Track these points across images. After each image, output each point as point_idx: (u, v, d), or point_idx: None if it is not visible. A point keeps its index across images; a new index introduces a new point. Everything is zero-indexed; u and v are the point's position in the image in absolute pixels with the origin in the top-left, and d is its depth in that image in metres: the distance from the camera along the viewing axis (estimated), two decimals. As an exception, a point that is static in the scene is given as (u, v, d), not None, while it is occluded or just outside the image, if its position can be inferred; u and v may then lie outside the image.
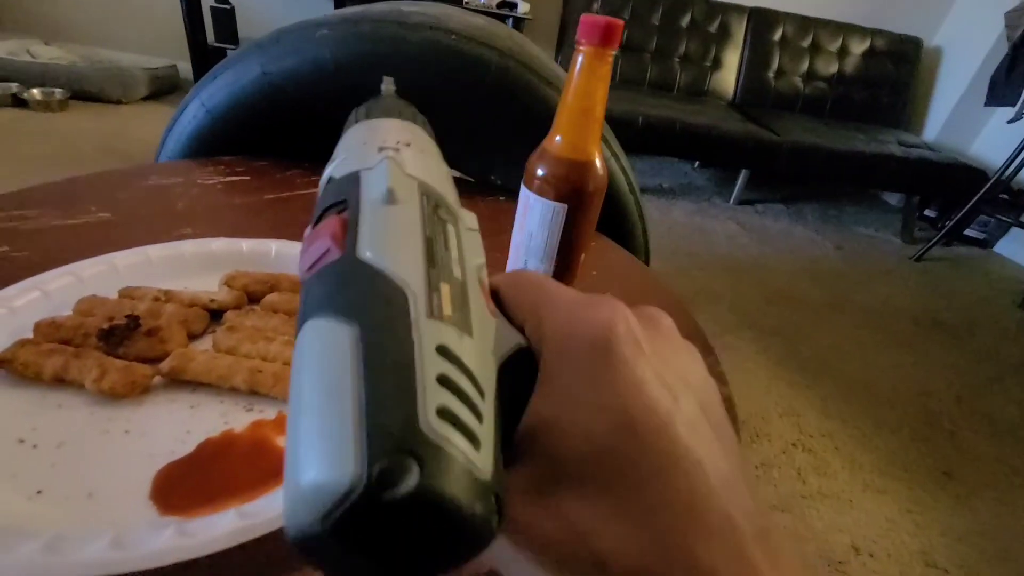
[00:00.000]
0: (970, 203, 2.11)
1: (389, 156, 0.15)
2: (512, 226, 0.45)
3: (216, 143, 0.61)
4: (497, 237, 0.53)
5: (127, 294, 0.35)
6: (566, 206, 0.38)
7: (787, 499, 1.04)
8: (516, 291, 0.16)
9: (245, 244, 0.41)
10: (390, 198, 0.14)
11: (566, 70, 0.67)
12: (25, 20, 2.77)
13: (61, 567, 0.19)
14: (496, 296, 0.16)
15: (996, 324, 1.86)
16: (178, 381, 0.30)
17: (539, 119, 0.62)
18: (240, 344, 0.32)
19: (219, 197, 0.53)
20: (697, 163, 2.80)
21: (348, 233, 0.13)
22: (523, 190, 0.40)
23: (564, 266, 0.41)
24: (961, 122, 2.57)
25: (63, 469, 0.25)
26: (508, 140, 0.65)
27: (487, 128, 0.64)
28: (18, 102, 2.16)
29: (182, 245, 0.40)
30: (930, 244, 2.21)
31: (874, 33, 2.53)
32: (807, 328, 1.63)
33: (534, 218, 0.40)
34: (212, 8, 2.28)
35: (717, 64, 2.49)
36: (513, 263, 0.43)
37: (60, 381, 0.29)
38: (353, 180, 0.15)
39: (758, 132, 2.13)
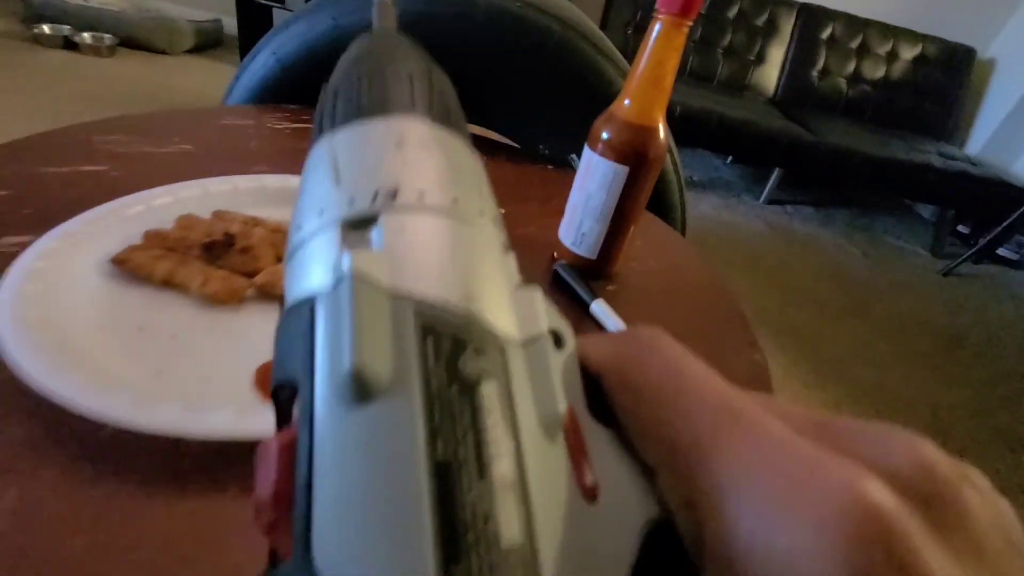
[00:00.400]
0: (1007, 221, 2.07)
1: (354, 267, 0.09)
2: (560, 194, 0.47)
3: (284, 92, 0.64)
4: (548, 203, 0.55)
5: (219, 216, 0.38)
6: (627, 169, 0.40)
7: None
8: (634, 399, 0.10)
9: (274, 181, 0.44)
10: (358, 392, 0.08)
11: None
12: (77, -36, 2.79)
13: (200, 426, 0.22)
14: (598, 383, 0.10)
15: (1020, 345, 1.84)
16: (269, 295, 0.33)
17: (594, 92, 0.64)
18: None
19: (288, 141, 0.55)
20: (730, 158, 2.77)
21: (297, 486, 0.08)
22: (586, 151, 0.42)
23: (617, 229, 0.44)
24: (1007, 138, 2.50)
25: (179, 356, 0.28)
26: (561, 111, 0.66)
27: (542, 98, 0.66)
28: (69, 45, 2.21)
29: (265, 178, 0.43)
30: (961, 259, 2.17)
31: (926, 39, 2.46)
32: (825, 331, 1.63)
33: (595, 179, 0.42)
34: (260, -36, 2.29)
35: (761, 59, 2.45)
36: (569, 223, 0.45)
37: (167, 284, 0.32)
38: (304, 324, 0.09)
39: (795, 130, 2.10)
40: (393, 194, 0.10)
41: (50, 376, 0.23)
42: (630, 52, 0.50)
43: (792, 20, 2.42)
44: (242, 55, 2.48)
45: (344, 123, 0.12)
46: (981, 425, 1.41)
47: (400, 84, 0.13)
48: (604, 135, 0.40)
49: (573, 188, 0.44)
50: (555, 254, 0.47)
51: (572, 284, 0.43)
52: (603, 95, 0.63)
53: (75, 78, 1.99)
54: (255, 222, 0.37)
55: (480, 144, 0.67)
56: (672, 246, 0.58)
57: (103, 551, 0.20)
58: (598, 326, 0.41)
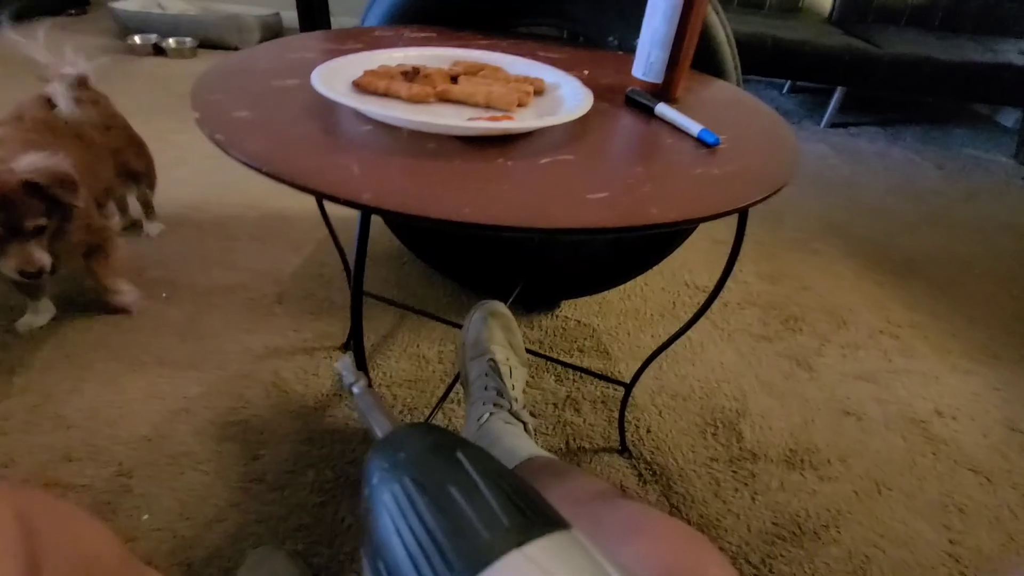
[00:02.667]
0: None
1: None
2: (627, 64, 0.63)
3: (407, 17, 0.83)
4: (621, 69, 0.69)
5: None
6: (681, 1, 0.56)
7: (872, 373, 1.12)
8: None
9: (460, 51, 0.64)
10: None
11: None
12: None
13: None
14: None
15: (1119, 239, 1.75)
16: (445, 99, 0.53)
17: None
18: (475, 86, 0.54)
19: (422, 42, 0.74)
20: (787, 87, 2.73)
21: None
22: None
23: (677, 55, 0.59)
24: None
25: (409, 114, 0.47)
26: (626, 2, 0.78)
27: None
28: (158, 51, 2.49)
29: (425, 50, 0.64)
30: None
31: (1000, -67, 2.32)
32: (899, 238, 1.64)
33: (658, 15, 0.58)
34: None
35: (813, -22, 2.39)
36: (639, 59, 0.62)
37: (385, 95, 0.53)
38: None
39: (856, 45, 2.07)
40: None
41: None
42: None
43: (845, -67, 2.35)
44: (304, 42, 2.69)
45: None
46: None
47: (468, 527, 0.12)
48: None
49: (642, 30, 0.61)
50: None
51: (639, 99, 0.59)
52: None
53: (169, 78, 2.26)
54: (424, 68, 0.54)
55: (563, 42, 0.79)
56: (724, 87, 0.74)
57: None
58: (667, 124, 0.57)
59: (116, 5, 2.62)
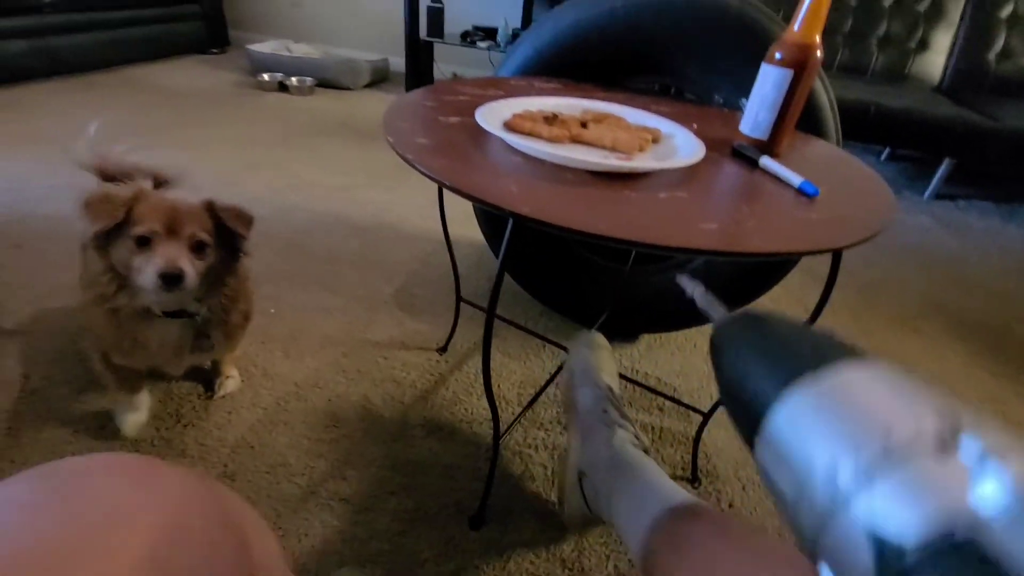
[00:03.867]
0: None
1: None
2: (732, 120, 0.72)
3: (538, 70, 0.97)
4: (727, 123, 0.83)
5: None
6: (792, 72, 0.63)
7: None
8: None
9: (587, 102, 0.77)
10: None
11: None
12: (282, 25, 3.49)
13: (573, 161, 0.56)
14: None
15: None
16: (577, 141, 0.65)
17: (760, 48, 0.77)
18: (603, 132, 0.66)
19: (551, 91, 0.88)
20: (885, 155, 2.61)
21: None
22: (764, 67, 0.66)
23: (783, 117, 0.66)
24: None
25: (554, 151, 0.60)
26: (734, 66, 0.88)
27: (719, 57, 0.84)
28: (282, 87, 2.78)
29: (560, 100, 0.77)
30: None
31: None
32: (1017, 325, 1.49)
33: (768, 82, 0.65)
34: (428, 7, 2.70)
35: (923, 46, 2.34)
36: (747, 118, 0.69)
37: (530, 134, 0.65)
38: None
39: (969, 116, 1.98)
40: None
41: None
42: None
43: (961, 3, 2.26)
44: (407, 86, 2.91)
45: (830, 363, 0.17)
46: None
47: (813, 342, 0.19)
48: (777, 53, 0.65)
49: (751, 96, 0.68)
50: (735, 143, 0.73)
51: (745, 152, 0.67)
52: (766, 47, 0.76)
53: (291, 112, 2.52)
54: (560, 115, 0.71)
55: (670, 96, 0.85)
56: (824, 146, 0.80)
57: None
58: (769, 175, 0.64)
59: (252, 47, 2.97)
